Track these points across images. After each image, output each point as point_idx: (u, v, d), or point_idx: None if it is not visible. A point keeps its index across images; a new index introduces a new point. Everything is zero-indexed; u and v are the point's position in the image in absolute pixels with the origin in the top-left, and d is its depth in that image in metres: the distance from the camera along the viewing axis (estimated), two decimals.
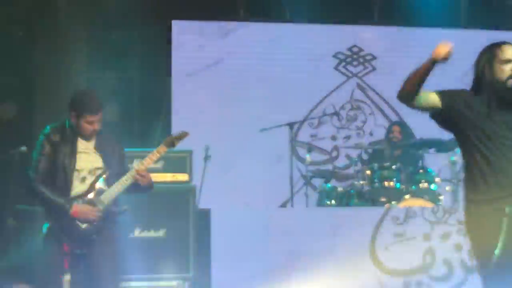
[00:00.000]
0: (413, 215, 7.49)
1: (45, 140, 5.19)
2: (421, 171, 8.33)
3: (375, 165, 8.43)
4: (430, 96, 4.30)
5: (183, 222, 7.44)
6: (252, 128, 9.57)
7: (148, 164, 5.39)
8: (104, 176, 5.24)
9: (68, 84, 8.98)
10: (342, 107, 10.33)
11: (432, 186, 8.22)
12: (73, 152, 5.18)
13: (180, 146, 5.70)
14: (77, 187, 5.17)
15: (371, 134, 10.28)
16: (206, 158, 8.29)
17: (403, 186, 8.21)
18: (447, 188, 8.35)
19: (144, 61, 9.74)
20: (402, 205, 7.87)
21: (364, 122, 10.35)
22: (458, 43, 10.79)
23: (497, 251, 4.01)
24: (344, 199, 8.46)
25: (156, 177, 7.40)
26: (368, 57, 10.44)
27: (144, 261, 7.28)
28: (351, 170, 8.86)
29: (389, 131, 9.27)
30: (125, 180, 5.26)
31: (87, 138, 5.26)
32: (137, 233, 7.36)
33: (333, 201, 8.48)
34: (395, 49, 10.42)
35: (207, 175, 8.27)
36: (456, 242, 7.43)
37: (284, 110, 9.84)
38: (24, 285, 7.94)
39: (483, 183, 4.12)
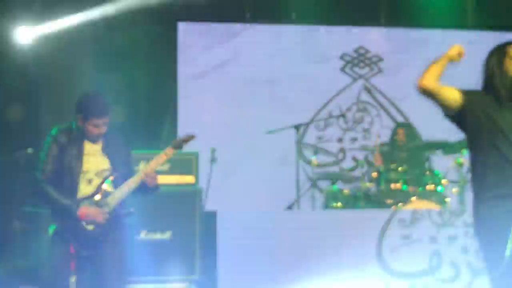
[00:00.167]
0: (419, 217, 7.49)
1: (52, 141, 5.20)
2: (427, 173, 8.33)
3: (382, 167, 8.43)
4: (451, 91, 4.37)
5: (189, 224, 7.46)
6: (259, 130, 9.56)
7: (155, 166, 5.39)
8: (110, 178, 5.24)
9: (74, 85, 8.99)
10: (349, 109, 10.32)
11: (439, 188, 8.22)
12: (80, 154, 5.19)
13: (186, 148, 5.70)
14: (84, 189, 5.18)
15: (377, 136, 10.26)
16: (212, 160, 8.29)
17: (409, 188, 8.20)
18: (454, 190, 8.33)
19: (150, 62, 9.74)
20: (408, 207, 7.86)
21: (371, 124, 10.34)
22: (464, 44, 10.78)
23: (508, 253, 3.99)
24: (351, 202, 8.45)
25: (163, 179, 7.41)
26: (374, 59, 10.43)
27: (151, 263, 7.30)
28: (357, 172, 8.86)
29: (394, 133, 9.26)
30: (132, 182, 5.27)
31: (93, 140, 5.26)
32: (143, 235, 7.37)
33: (339, 204, 8.48)
34: (402, 51, 10.41)
35: (213, 177, 8.27)
36: (462, 244, 7.43)
37: (290, 112, 9.84)
38: (31, 287, 7.96)
39: (494, 180, 4.11)
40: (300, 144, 9.22)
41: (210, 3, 9.82)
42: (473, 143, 4.29)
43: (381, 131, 10.19)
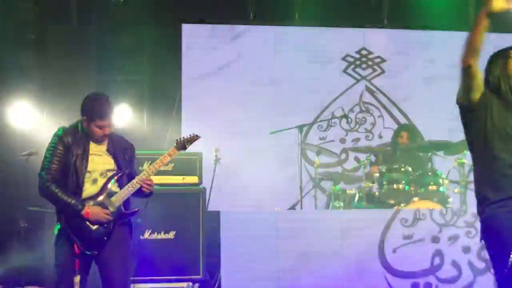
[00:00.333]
0: (421, 217, 7.51)
1: (58, 141, 5.21)
2: (429, 173, 8.32)
3: (384, 168, 8.45)
4: (481, 80, 4.23)
5: (193, 224, 7.49)
6: (262, 130, 9.59)
7: (159, 167, 5.42)
8: (115, 178, 5.26)
9: (79, 87, 9.03)
10: (351, 110, 10.33)
11: (441, 188, 8.21)
12: (85, 154, 5.20)
13: (190, 148, 5.73)
14: (89, 189, 5.20)
15: (380, 136, 10.28)
16: (216, 160, 8.33)
17: (411, 188, 8.20)
18: (456, 190, 8.35)
19: (155, 64, 9.77)
20: (410, 207, 7.87)
21: (373, 124, 10.35)
22: None
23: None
24: (353, 202, 8.46)
25: (166, 179, 7.49)
26: (377, 60, 10.44)
27: (154, 263, 7.33)
28: (360, 173, 8.87)
29: (397, 135, 9.26)
30: (136, 183, 5.29)
31: (98, 141, 5.28)
32: (147, 235, 7.40)
33: (342, 204, 8.50)
34: (404, 52, 10.42)
35: (217, 177, 8.31)
36: (464, 244, 7.45)
37: (293, 112, 9.87)
38: (36, 286, 7.99)
39: (504, 181, 4.10)
40: (303, 144, 9.23)
41: (213, 4, 9.86)
42: (479, 143, 4.23)
43: (383, 131, 10.22)
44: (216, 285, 7.67)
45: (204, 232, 7.52)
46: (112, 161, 5.29)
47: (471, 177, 8.01)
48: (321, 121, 10.08)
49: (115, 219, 5.21)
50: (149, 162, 7.36)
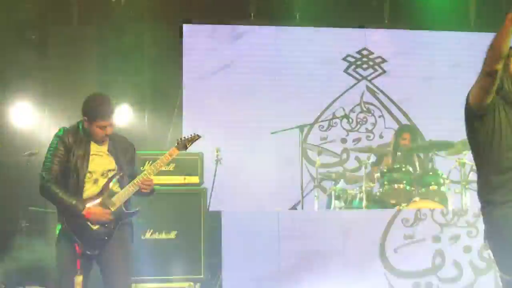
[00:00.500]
0: (422, 217, 7.51)
1: (59, 142, 5.22)
2: (430, 173, 8.33)
3: (385, 168, 8.45)
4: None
5: (194, 224, 7.49)
6: (263, 130, 9.60)
7: (160, 167, 5.43)
8: (116, 178, 5.27)
9: (80, 87, 9.04)
10: (352, 110, 10.35)
11: (442, 188, 8.21)
12: (86, 155, 5.22)
13: (191, 148, 5.75)
14: (89, 189, 5.22)
15: (381, 136, 10.29)
16: (217, 160, 8.33)
17: (412, 188, 8.20)
18: (457, 190, 8.35)
19: (155, 64, 9.78)
20: (411, 207, 7.87)
21: (374, 124, 10.36)
22: (467, 46, 10.83)
23: None
24: (354, 202, 8.46)
25: (167, 179, 7.49)
26: (377, 60, 10.45)
27: (156, 263, 7.33)
28: (361, 173, 8.87)
29: (399, 136, 9.25)
30: (137, 183, 5.30)
31: (99, 142, 5.29)
32: (148, 235, 7.40)
33: (343, 204, 8.50)
34: (405, 52, 10.43)
35: (218, 177, 8.31)
36: (465, 244, 7.45)
37: (294, 113, 9.88)
38: (36, 286, 8.00)
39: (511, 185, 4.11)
40: (304, 144, 9.24)
41: (214, 5, 9.87)
42: (487, 146, 4.21)
43: (384, 132, 10.23)
44: (218, 285, 7.67)
45: (205, 232, 7.53)
46: (113, 161, 5.31)
47: (472, 177, 8.06)
48: (322, 121, 10.09)
49: (116, 219, 5.22)
50: (150, 162, 7.36)
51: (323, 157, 9.13)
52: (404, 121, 10.27)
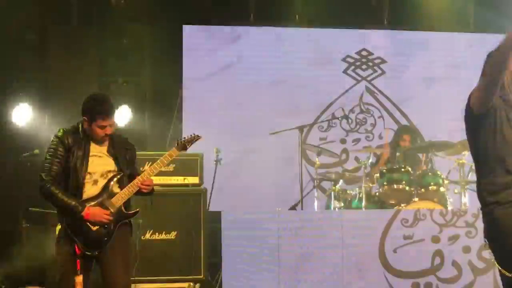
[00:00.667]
0: (422, 218, 7.52)
1: (58, 142, 5.22)
2: (430, 173, 8.34)
3: (384, 168, 8.46)
4: None
5: (194, 225, 7.50)
6: (262, 131, 9.61)
7: (160, 168, 5.43)
8: (116, 179, 5.27)
9: (80, 87, 9.05)
10: (352, 111, 10.35)
11: (441, 189, 8.23)
12: (86, 155, 5.21)
13: (191, 149, 5.75)
14: (89, 190, 5.21)
15: (380, 137, 10.29)
16: (217, 161, 8.35)
17: (412, 189, 8.21)
18: (456, 190, 8.37)
19: (155, 65, 9.78)
20: (411, 207, 7.89)
21: (373, 125, 10.37)
22: (466, 47, 10.83)
23: None
24: (353, 202, 8.48)
25: (167, 180, 7.51)
26: (377, 61, 10.46)
27: (156, 263, 7.35)
28: (360, 173, 8.88)
29: (399, 137, 9.27)
30: (136, 184, 5.30)
31: (99, 142, 5.29)
32: (148, 235, 7.41)
33: (342, 204, 8.51)
34: (404, 53, 10.44)
35: (218, 178, 8.32)
36: (464, 244, 7.46)
37: (294, 113, 9.88)
38: (36, 286, 8.01)
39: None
40: (303, 145, 9.24)
41: (214, 5, 9.88)
42: (489, 146, 4.20)
43: (383, 132, 10.23)
44: (217, 285, 7.68)
45: (205, 232, 7.54)
46: (112, 162, 5.30)
47: (471, 177, 8.07)
48: (321, 121, 10.10)
49: (116, 220, 5.22)
50: (150, 162, 7.37)
51: (323, 158, 9.14)
52: (403, 121, 10.28)
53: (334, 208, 8.47)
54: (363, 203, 8.25)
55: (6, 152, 9.03)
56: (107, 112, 5.23)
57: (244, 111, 10.01)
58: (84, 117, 5.26)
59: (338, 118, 10.05)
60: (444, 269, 7.44)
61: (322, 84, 10.25)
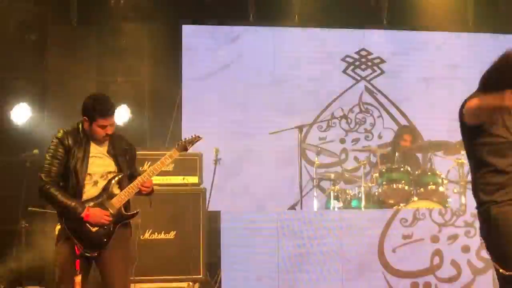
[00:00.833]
0: (421, 217, 7.54)
1: (58, 143, 5.20)
2: (429, 173, 8.34)
3: (384, 168, 8.46)
4: None
5: (193, 225, 7.51)
6: (262, 131, 9.61)
7: (160, 168, 5.43)
8: (116, 179, 5.27)
9: (79, 87, 9.05)
10: (351, 110, 10.35)
11: (440, 188, 8.23)
12: (86, 157, 5.20)
13: (190, 149, 5.75)
14: (89, 191, 5.20)
15: (379, 137, 10.30)
16: (216, 161, 8.35)
17: (411, 188, 8.22)
18: (455, 190, 8.37)
19: (155, 64, 9.77)
20: (410, 207, 7.90)
21: (373, 125, 10.37)
22: (465, 47, 10.83)
23: None
24: (353, 201, 8.48)
25: (167, 179, 7.51)
26: (376, 61, 10.46)
27: (155, 263, 7.35)
28: (359, 173, 8.88)
29: (399, 137, 9.28)
30: (136, 185, 5.30)
31: (100, 142, 5.28)
32: (147, 235, 7.42)
33: (341, 204, 8.51)
34: (403, 53, 10.44)
35: (217, 177, 8.33)
36: (463, 244, 7.47)
37: (293, 113, 9.88)
38: (36, 286, 8.01)
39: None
40: (303, 144, 9.25)
41: (213, 5, 9.88)
42: (485, 148, 4.23)
43: (383, 132, 10.24)
44: (217, 285, 7.69)
45: (204, 232, 7.55)
46: (112, 163, 5.30)
47: (470, 177, 8.07)
48: (321, 121, 10.09)
49: (115, 221, 5.22)
50: (150, 162, 7.38)
51: (322, 157, 9.15)
52: (402, 121, 10.28)
53: (334, 208, 8.47)
54: (363, 203, 8.25)
55: (5, 152, 9.02)
56: (108, 111, 5.22)
57: (243, 110, 10.01)
58: (84, 117, 5.24)
59: (337, 118, 10.04)
60: (443, 269, 7.46)
61: (322, 84, 10.24)
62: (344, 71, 10.38)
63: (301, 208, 8.81)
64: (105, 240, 5.18)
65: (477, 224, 7.15)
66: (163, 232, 7.46)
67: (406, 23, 10.39)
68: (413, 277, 7.43)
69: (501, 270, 4.13)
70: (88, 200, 5.17)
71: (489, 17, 10.24)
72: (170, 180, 7.59)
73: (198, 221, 7.53)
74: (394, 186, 8.27)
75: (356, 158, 9.99)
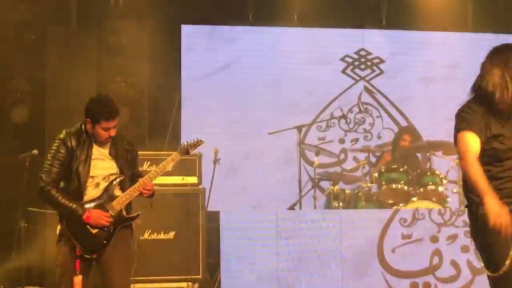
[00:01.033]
0: (420, 217, 7.54)
1: (60, 144, 5.18)
2: (428, 173, 8.36)
3: (383, 168, 8.47)
4: (476, 143, 4.24)
5: (193, 224, 7.51)
6: (261, 131, 9.61)
7: (162, 172, 5.43)
8: (117, 181, 5.26)
9: (79, 87, 9.05)
10: (350, 110, 10.35)
11: (440, 188, 8.24)
12: (88, 159, 5.18)
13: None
14: (91, 192, 5.20)
15: (378, 137, 10.30)
16: (215, 161, 8.35)
17: (410, 188, 8.23)
18: (454, 190, 8.38)
19: (154, 64, 9.77)
20: (409, 207, 7.90)
21: (372, 125, 10.37)
22: (464, 47, 10.82)
23: (508, 261, 4.04)
24: (352, 202, 8.49)
25: (166, 179, 7.50)
26: (375, 61, 10.46)
27: (154, 263, 7.35)
28: (358, 173, 8.89)
29: (399, 137, 9.29)
30: (137, 187, 5.29)
31: (102, 144, 5.27)
32: (147, 235, 7.42)
33: (340, 204, 8.52)
34: (403, 53, 10.44)
35: (216, 177, 8.33)
36: (463, 244, 7.48)
37: (292, 113, 9.89)
38: (36, 286, 8.01)
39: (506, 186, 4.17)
40: (302, 145, 9.25)
41: (213, 6, 9.88)
42: (482, 159, 4.23)
43: (382, 132, 10.25)
44: (216, 285, 7.69)
45: (203, 232, 7.55)
46: (114, 165, 5.29)
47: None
48: (320, 121, 10.10)
49: (115, 223, 5.21)
50: (149, 162, 7.39)
51: (321, 157, 9.15)
52: (402, 121, 10.28)
53: (333, 208, 8.48)
54: (362, 203, 8.26)
55: (5, 152, 9.02)
56: (112, 114, 5.19)
57: (243, 111, 10.01)
58: (87, 119, 5.22)
59: (336, 118, 10.04)
60: (442, 269, 7.47)
61: (321, 84, 10.24)
62: (344, 71, 10.39)
63: (300, 208, 8.80)
64: (105, 242, 5.17)
65: None
66: (162, 232, 7.46)
67: (406, 23, 10.39)
68: (413, 277, 7.44)
69: (485, 270, 4.16)
70: (88, 202, 5.16)
71: (489, 17, 10.24)
72: (170, 180, 7.58)
73: (197, 221, 7.53)
74: (394, 186, 8.28)
75: (355, 158, 10.00)
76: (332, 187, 8.72)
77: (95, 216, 5.13)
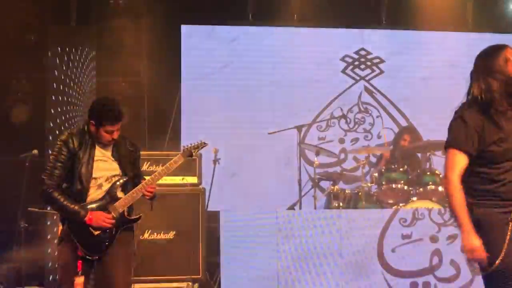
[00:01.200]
0: (420, 217, 7.54)
1: (63, 145, 5.18)
2: (428, 173, 8.36)
3: (383, 168, 8.47)
4: (464, 161, 4.25)
5: (193, 224, 7.51)
6: (261, 131, 9.61)
7: (165, 174, 5.42)
8: (119, 183, 5.26)
9: (79, 87, 9.06)
10: (350, 110, 10.36)
11: (440, 188, 8.24)
12: (91, 160, 5.18)
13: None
14: (93, 194, 5.20)
15: (378, 136, 10.30)
16: (215, 160, 8.35)
17: (410, 188, 8.23)
18: None
19: (154, 64, 9.78)
20: (409, 207, 7.90)
21: (372, 124, 10.38)
22: (464, 46, 10.82)
23: (498, 261, 4.08)
24: (352, 201, 8.49)
25: (166, 179, 7.49)
26: (375, 60, 10.47)
27: (154, 263, 7.35)
28: (358, 173, 8.89)
29: (399, 137, 9.29)
30: (140, 189, 5.29)
31: (105, 145, 5.26)
32: (147, 235, 7.42)
33: (340, 203, 8.52)
34: (402, 52, 10.45)
35: (216, 177, 8.33)
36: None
37: (292, 113, 9.89)
38: (36, 287, 8.02)
39: (504, 187, 4.19)
40: (302, 145, 9.26)
41: (213, 5, 9.89)
42: (480, 161, 4.25)
43: (382, 132, 10.24)
44: (216, 285, 7.69)
45: (203, 232, 7.55)
46: (117, 166, 5.29)
47: None
48: (320, 121, 10.10)
49: (117, 225, 5.22)
50: (149, 163, 7.39)
51: (321, 157, 9.14)
52: (401, 121, 10.29)
53: (333, 208, 8.48)
54: (362, 203, 8.26)
55: (5, 152, 9.02)
56: (116, 117, 5.19)
57: (243, 110, 10.02)
58: (91, 121, 5.21)
59: (336, 118, 10.05)
60: (442, 268, 7.46)
61: (321, 84, 10.25)
62: (343, 71, 10.39)
63: (300, 208, 8.81)
64: (106, 243, 5.18)
65: None
66: (162, 232, 7.46)
67: (406, 22, 10.40)
68: (413, 277, 7.43)
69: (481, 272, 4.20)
70: (90, 203, 5.17)
71: (489, 17, 10.25)
72: (169, 180, 7.58)
73: (197, 221, 7.53)
74: (394, 186, 8.29)
75: (355, 158, 10.01)
76: (332, 187, 8.72)
77: (97, 217, 5.12)
